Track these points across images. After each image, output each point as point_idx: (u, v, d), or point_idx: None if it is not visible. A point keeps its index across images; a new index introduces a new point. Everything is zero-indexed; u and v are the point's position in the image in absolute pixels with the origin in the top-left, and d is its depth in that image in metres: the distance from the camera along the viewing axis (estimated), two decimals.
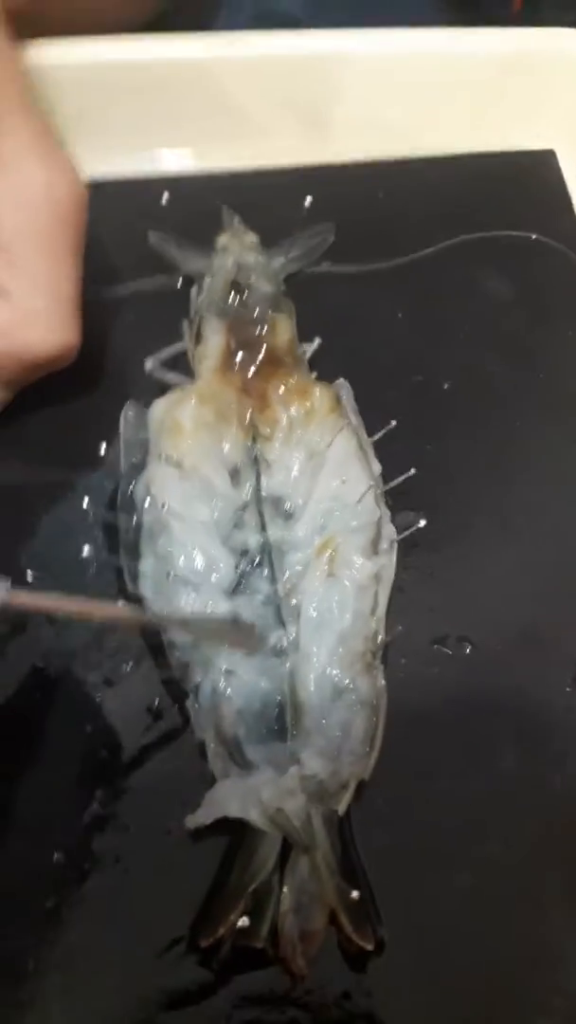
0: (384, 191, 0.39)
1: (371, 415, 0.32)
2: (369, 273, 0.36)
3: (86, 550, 0.30)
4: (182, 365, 0.33)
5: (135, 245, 0.36)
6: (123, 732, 0.27)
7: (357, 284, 0.36)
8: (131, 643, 0.28)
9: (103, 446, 0.32)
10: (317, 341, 0.34)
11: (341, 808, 0.25)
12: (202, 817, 0.24)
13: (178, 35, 0.39)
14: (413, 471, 0.30)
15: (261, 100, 0.39)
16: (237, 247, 0.34)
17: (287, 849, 0.24)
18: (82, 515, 0.30)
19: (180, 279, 0.36)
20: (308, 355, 0.33)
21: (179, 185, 0.39)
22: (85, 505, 0.31)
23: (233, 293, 0.33)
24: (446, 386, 0.34)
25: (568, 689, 0.29)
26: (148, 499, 0.29)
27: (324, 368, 0.33)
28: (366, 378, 0.32)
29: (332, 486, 0.29)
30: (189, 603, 0.27)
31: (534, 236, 0.38)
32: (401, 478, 0.30)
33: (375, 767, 0.26)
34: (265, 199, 0.38)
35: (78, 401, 0.33)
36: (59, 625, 0.28)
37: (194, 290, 0.35)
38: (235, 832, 0.25)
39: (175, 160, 0.40)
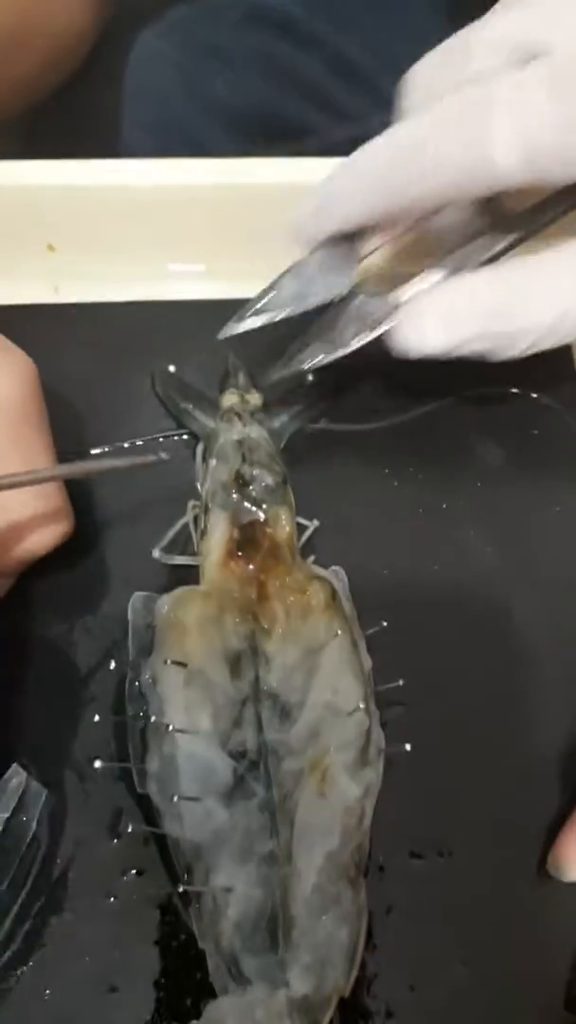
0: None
1: (364, 605, 0.33)
2: (367, 432, 0.37)
3: (97, 763, 0.32)
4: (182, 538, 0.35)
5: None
6: (132, 939, 0.30)
7: (354, 444, 0.37)
8: (140, 859, 0.31)
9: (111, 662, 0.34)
10: (315, 523, 0.35)
11: None
12: None
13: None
14: (401, 682, 0.33)
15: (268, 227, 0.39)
16: (240, 423, 0.35)
17: None
18: (90, 718, 0.33)
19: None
20: (307, 535, 0.35)
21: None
22: (95, 717, 0.33)
23: (236, 487, 0.34)
24: (436, 567, 0.36)
25: (536, 890, 0.32)
26: (155, 697, 0.32)
27: (320, 546, 0.35)
28: (359, 562, 0.34)
29: (325, 695, 0.32)
30: (189, 811, 0.30)
31: (534, 395, 0.39)
32: (389, 686, 0.33)
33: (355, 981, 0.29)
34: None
35: (85, 578, 0.35)
36: (74, 844, 0.31)
37: (199, 459, 0.36)
38: None
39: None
